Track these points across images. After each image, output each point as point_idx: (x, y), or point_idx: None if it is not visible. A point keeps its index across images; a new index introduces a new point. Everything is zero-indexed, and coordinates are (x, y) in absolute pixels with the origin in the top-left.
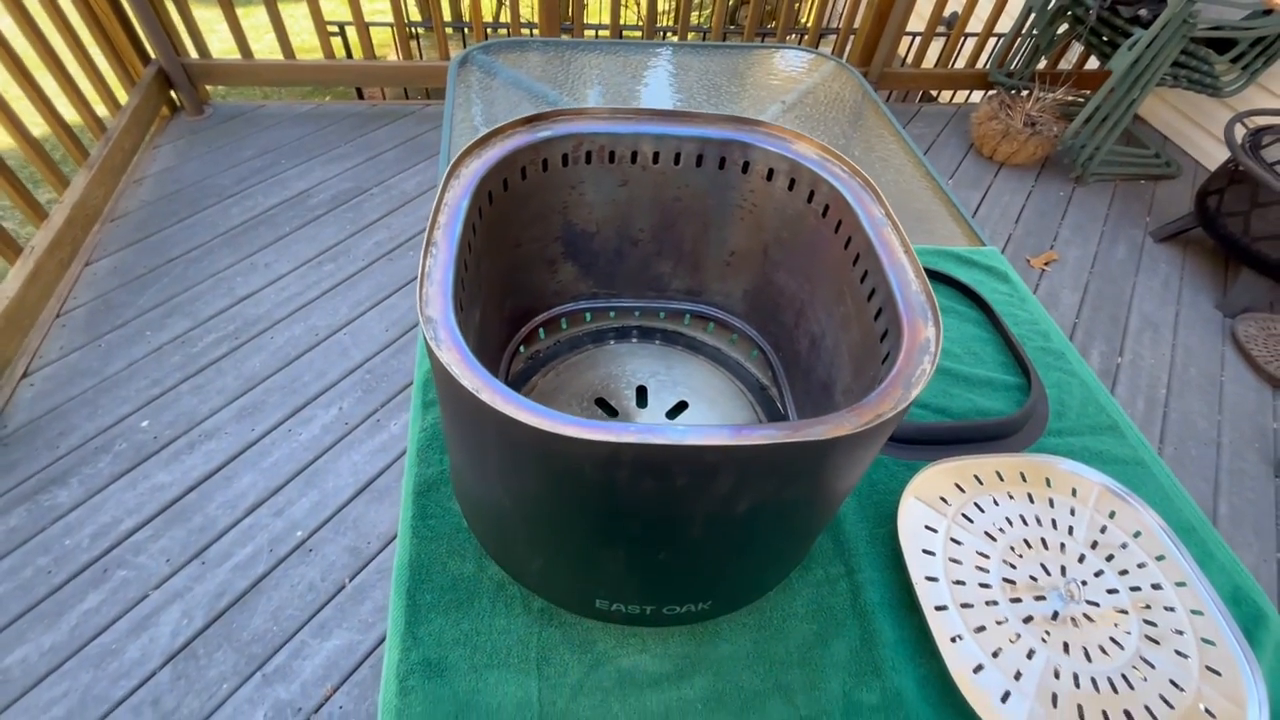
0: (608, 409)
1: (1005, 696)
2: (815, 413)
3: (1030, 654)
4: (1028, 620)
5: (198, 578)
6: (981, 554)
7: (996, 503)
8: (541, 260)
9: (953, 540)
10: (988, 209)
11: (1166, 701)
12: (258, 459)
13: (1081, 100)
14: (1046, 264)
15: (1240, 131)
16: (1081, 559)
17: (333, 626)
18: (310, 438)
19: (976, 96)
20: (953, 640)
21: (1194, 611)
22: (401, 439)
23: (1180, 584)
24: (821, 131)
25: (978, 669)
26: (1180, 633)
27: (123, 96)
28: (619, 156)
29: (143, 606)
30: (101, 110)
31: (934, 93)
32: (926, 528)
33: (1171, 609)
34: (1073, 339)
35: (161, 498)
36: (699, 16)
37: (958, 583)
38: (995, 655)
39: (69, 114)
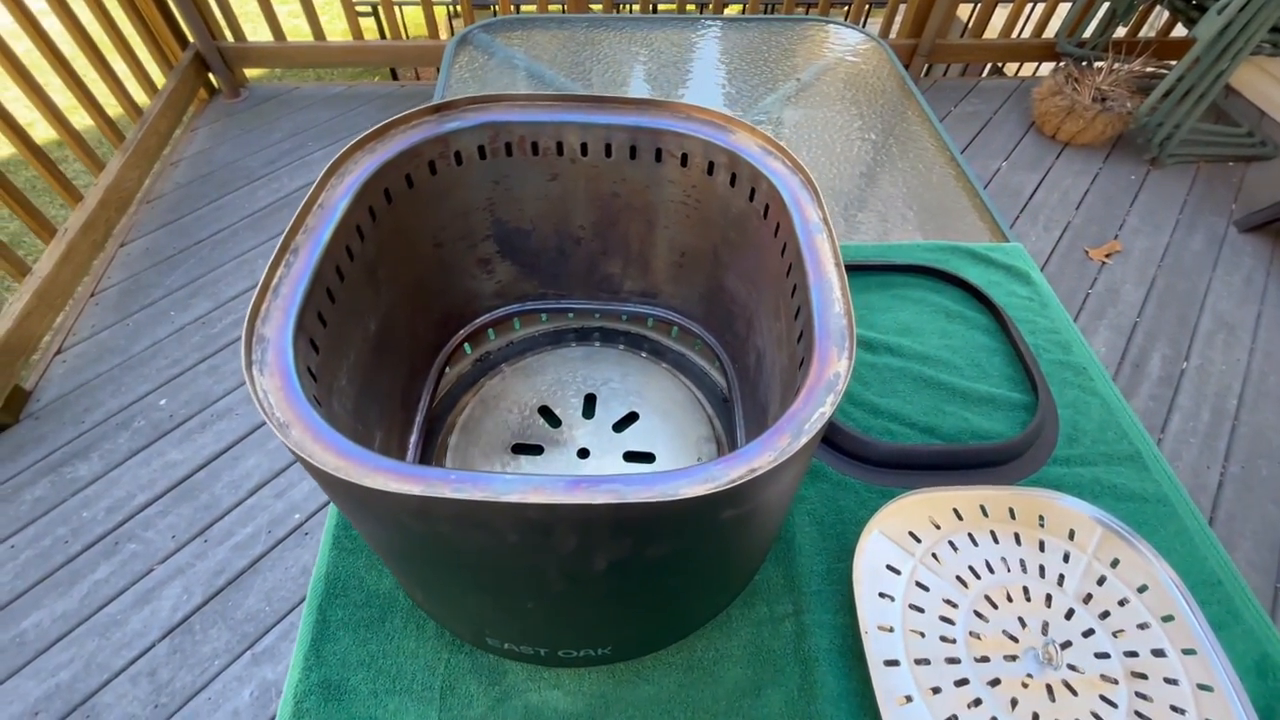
0: (551, 418)
1: None
2: (756, 434)
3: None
4: (994, 684)
5: (200, 555)
6: (949, 602)
7: (976, 542)
8: (472, 260)
9: (918, 584)
10: (1045, 193)
11: None
12: (264, 440)
13: (1162, 72)
14: (1108, 256)
15: None
16: (1069, 615)
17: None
18: None
19: (1046, 70)
20: (901, 702)
21: (1201, 686)
22: None
23: (1188, 651)
24: (837, 112)
25: None
26: (1180, 711)
27: (160, 80)
28: (543, 148)
29: (147, 580)
30: (140, 95)
31: (999, 65)
32: (888, 568)
33: (1174, 681)
34: (1131, 340)
35: (173, 475)
36: None
37: (916, 633)
38: None
39: (107, 100)
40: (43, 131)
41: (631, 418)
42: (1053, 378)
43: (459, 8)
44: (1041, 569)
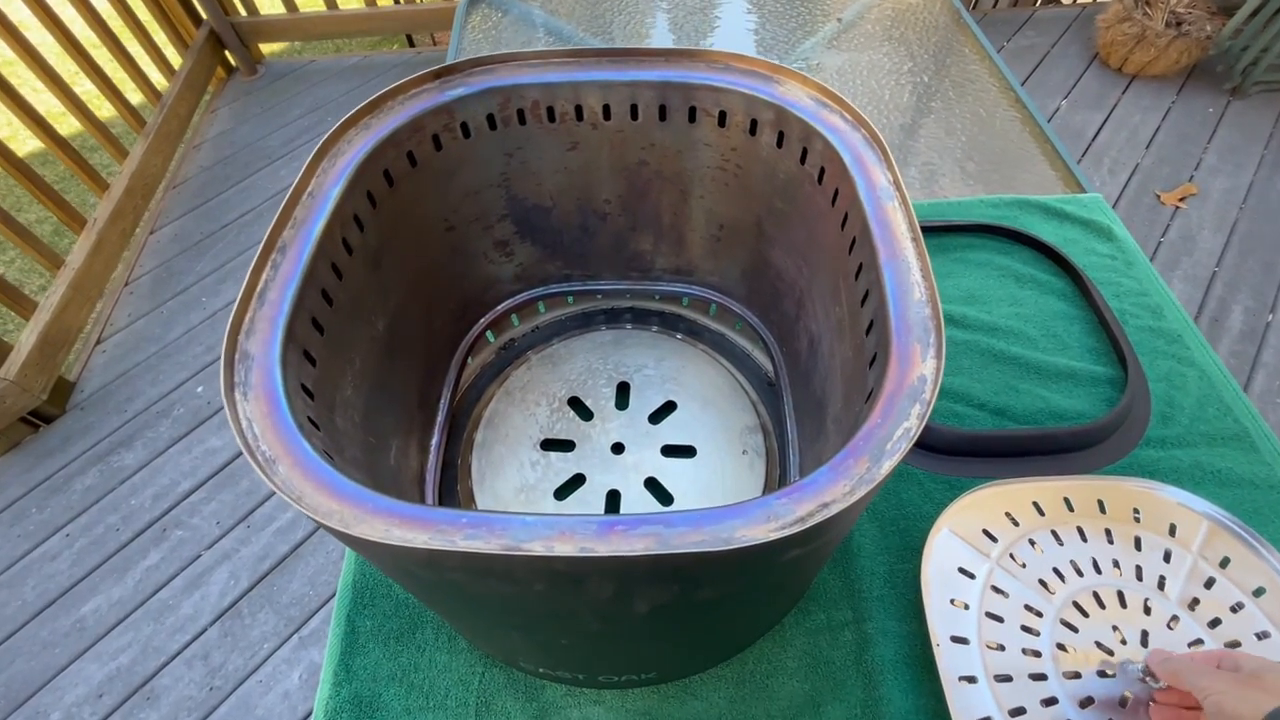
0: (582, 410)
1: None
2: (811, 431)
3: None
4: (1086, 704)
5: (244, 540)
6: (1032, 609)
7: (1060, 541)
8: (489, 242)
9: (994, 590)
10: (1111, 134)
11: None
12: None
13: None
14: (1182, 199)
15: None
16: (1172, 622)
17: None
18: None
19: None
20: None
21: None
22: None
23: None
24: (885, 55)
25: None
26: None
27: (177, 62)
28: (560, 113)
29: (196, 566)
30: (158, 78)
31: None
32: (961, 571)
33: None
34: (1209, 293)
35: (213, 462)
36: None
37: (995, 647)
38: None
39: (126, 85)
40: (65, 123)
41: (669, 407)
42: (1142, 347)
43: None
44: (1138, 570)
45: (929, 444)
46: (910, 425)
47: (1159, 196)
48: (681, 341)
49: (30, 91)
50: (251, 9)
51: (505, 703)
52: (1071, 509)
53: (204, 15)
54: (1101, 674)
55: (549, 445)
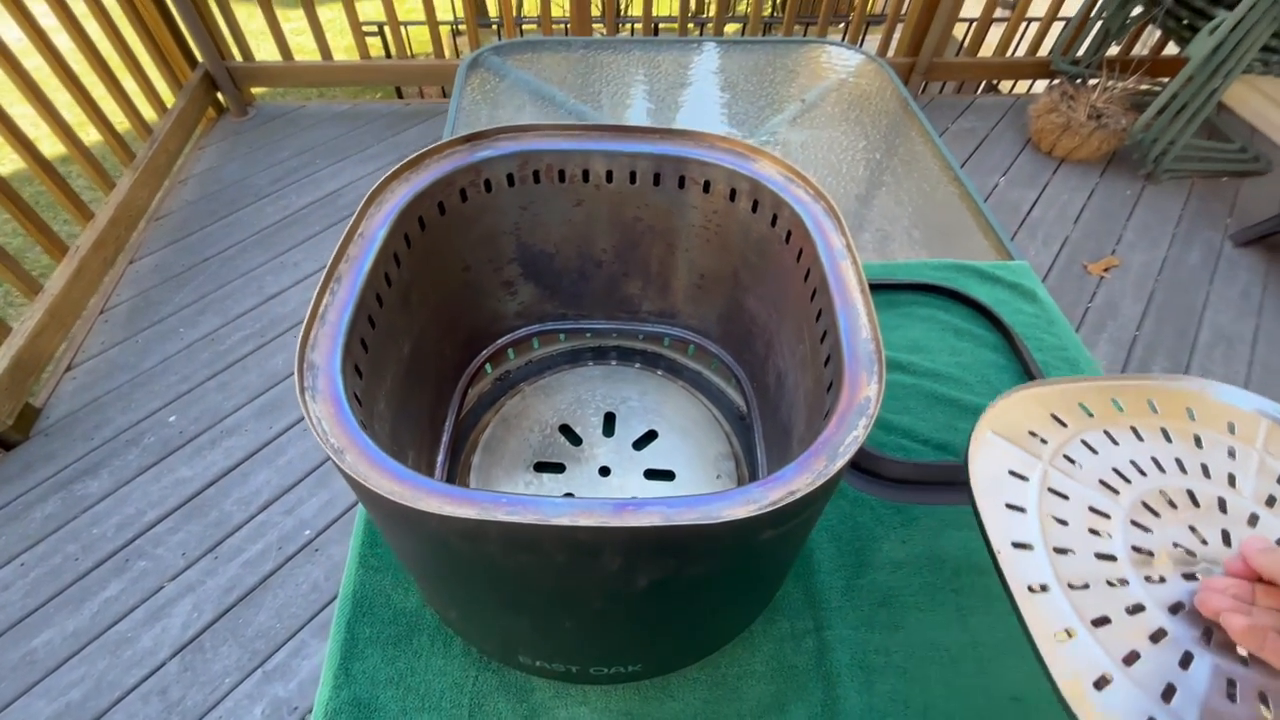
0: (572, 436)
1: None
2: (779, 454)
3: (1186, 660)
4: (1175, 610)
5: (210, 572)
6: (1097, 511)
7: (1115, 441)
8: (497, 283)
9: (1052, 492)
10: (1043, 210)
11: None
12: (274, 456)
13: (1156, 89)
14: (1106, 270)
15: None
16: (1253, 521)
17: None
18: None
19: (1041, 87)
20: (1061, 639)
21: None
22: None
23: None
24: (842, 133)
25: (1102, 683)
26: None
27: (169, 99)
28: (569, 175)
29: (158, 597)
30: (149, 113)
31: (995, 82)
32: (1012, 474)
33: None
34: (1131, 354)
35: (183, 491)
36: (744, 4)
37: (1062, 551)
38: (1129, 662)
39: (117, 118)
40: (50, 148)
41: (651, 435)
42: None
43: (462, 26)
44: (1205, 469)
45: (881, 473)
46: (858, 433)
47: (1086, 267)
48: (662, 377)
49: (19, 115)
50: (247, 55)
51: (497, 704)
52: (1121, 409)
53: (200, 58)
54: (1187, 577)
55: (542, 467)
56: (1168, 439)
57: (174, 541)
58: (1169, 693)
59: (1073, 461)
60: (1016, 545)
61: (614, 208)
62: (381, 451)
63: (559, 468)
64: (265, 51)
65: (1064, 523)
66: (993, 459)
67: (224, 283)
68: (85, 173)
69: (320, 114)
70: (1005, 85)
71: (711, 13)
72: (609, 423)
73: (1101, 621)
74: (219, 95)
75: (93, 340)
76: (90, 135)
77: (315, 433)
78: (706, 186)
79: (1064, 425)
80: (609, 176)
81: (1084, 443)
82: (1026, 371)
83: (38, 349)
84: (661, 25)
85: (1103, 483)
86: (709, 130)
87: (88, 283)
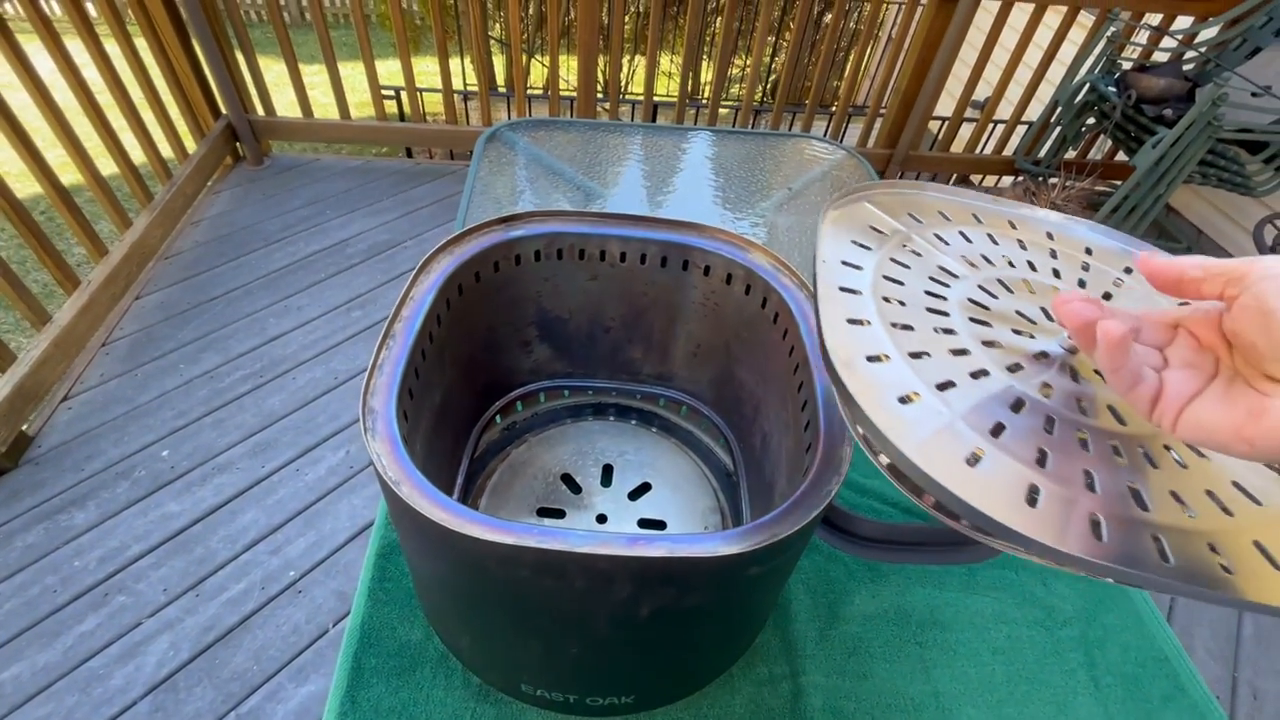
0: (573, 485)
1: (974, 458)
2: (762, 508)
3: (1019, 405)
4: (1015, 370)
5: (190, 609)
6: (934, 294)
7: (969, 240)
8: (516, 342)
9: (887, 279)
10: None
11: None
12: (263, 495)
13: (1109, 190)
14: None
15: (1271, 234)
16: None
17: (310, 671)
18: (316, 478)
19: (1008, 181)
20: (901, 401)
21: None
22: None
23: None
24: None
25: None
26: None
27: (191, 146)
28: (589, 254)
29: (135, 634)
30: (167, 151)
31: (966, 175)
32: (846, 264)
33: None
34: None
35: (169, 527)
36: (738, 88)
37: (902, 327)
38: (996, 434)
39: (139, 159)
40: (69, 177)
41: (645, 487)
42: None
43: (472, 87)
44: (1031, 265)
45: (854, 532)
46: (831, 488)
47: None
48: (656, 434)
49: (44, 146)
50: (269, 109)
51: None
52: (980, 222)
53: (224, 109)
54: (1039, 355)
55: (544, 512)
56: (1023, 247)
57: (156, 577)
58: (998, 431)
59: (913, 250)
60: (851, 322)
61: (625, 283)
62: (432, 485)
63: (560, 513)
64: (279, 98)
65: (901, 303)
66: (833, 245)
67: (227, 322)
68: (106, 212)
69: (333, 167)
70: (975, 178)
71: (707, 96)
72: (607, 474)
73: (946, 385)
74: (238, 144)
75: (92, 372)
76: (108, 167)
77: (376, 466)
78: (707, 270)
79: (919, 222)
80: (623, 257)
81: (938, 236)
82: None
83: (39, 378)
84: (660, 104)
85: (943, 268)
86: (703, 211)
87: (95, 316)
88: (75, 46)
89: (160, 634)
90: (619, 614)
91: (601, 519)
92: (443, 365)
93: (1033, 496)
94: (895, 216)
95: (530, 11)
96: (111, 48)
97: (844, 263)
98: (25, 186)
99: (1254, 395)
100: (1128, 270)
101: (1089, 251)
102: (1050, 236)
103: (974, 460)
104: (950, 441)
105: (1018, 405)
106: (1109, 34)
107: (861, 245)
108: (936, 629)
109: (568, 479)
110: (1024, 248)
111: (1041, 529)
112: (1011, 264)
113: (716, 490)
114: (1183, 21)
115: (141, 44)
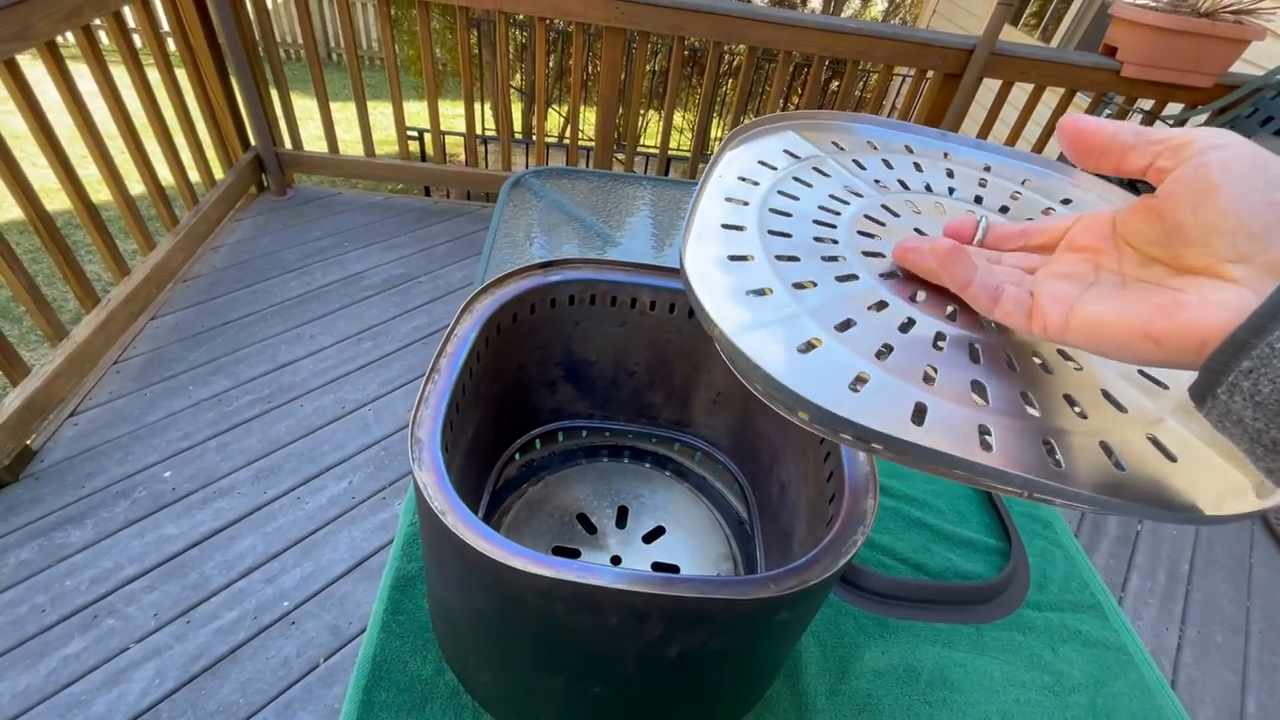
0: (588, 525)
1: (858, 382)
2: (778, 556)
3: (908, 325)
4: (889, 276)
5: (179, 636)
6: (828, 209)
7: (891, 166)
8: (543, 381)
9: (782, 194)
10: None
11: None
12: (263, 522)
13: None
14: None
15: None
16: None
17: (298, 708)
18: (316, 507)
19: None
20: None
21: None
22: None
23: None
24: None
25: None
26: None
27: (219, 174)
28: (620, 301)
29: (120, 660)
30: (194, 176)
31: None
32: (743, 180)
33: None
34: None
35: (165, 550)
36: None
37: (780, 234)
38: (881, 357)
39: (168, 182)
40: (98, 197)
41: (659, 531)
42: (1023, 529)
43: (491, 131)
44: (951, 190)
45: (865, 586)
46: (857, 538)
47: None
48: (669, 478)
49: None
50: (297, 143)
51: None
52: (911, 151)
53: (254, 141)
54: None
55: (559, 552)
56: (950, 175)
57: (148, 600)
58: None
59: (821, 171)
60: (726, 227)
61: (651, 330)
62: (474, 516)
63: (575, 553)
64: (303, 131)
65: (786, 215)
66: (732, 164)
67: (239, 347)
68: (132, 234)
69: (354, 201)
70: None
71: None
72: (622, 516)
73: (803, 285)
74: (264, 175)
75: (101, 389)
76: (136, 188)
77: (424, 495)
78: None
79: (841, 149)
80: (651, 305)
81: (856, 161)
82: (993, 504)
83: (50, 393)
84: (672, 158)
85: (847, 188)
86: None
87: (110, 334)
88: (119, 72)
89: (147, 661)
90: (646, 654)
91: (616, 560)
92: (477, 401)
93: (920, 412)
94: (818, 146)
95: (551, 64)
96: (153, 74)
97: (740, 178)
98: (50, 201)
99: (1161, 290)
100: (1066, 202)
101: (1024, 182)
102: (987, 169)
103: (859, 383)
104: (826, 361)
105: (906, 326)
106: (1104, 115)
107: (767, 165)
108: (946, 689)
109: (583, 519)
110: (950, 175)
111: (928, 438)
112: (929, 188)
113: (729, 537)
114: (1174, 108)
115: (181, 74)
